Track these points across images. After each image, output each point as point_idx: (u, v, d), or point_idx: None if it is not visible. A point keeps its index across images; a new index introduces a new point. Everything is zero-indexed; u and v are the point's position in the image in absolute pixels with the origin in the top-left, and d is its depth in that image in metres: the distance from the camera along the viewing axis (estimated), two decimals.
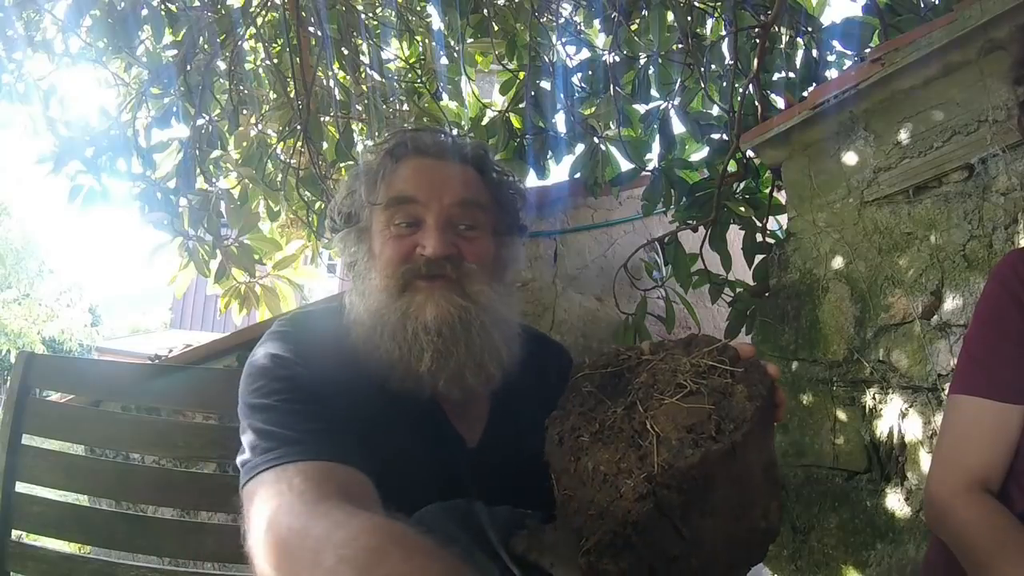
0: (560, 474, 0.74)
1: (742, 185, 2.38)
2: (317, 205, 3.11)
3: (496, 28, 2.89)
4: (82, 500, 2.09)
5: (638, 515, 0.66)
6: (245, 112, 3.36)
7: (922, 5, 2.21)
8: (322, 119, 3.06)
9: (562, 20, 2.84)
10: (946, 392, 1.46)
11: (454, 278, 0.90)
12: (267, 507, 0.71)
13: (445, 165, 0.97)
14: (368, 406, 0.88)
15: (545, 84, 2.61)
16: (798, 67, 2.39)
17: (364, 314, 0.92)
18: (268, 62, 3.30)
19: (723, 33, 2.61)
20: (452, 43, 3.24)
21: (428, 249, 0.90)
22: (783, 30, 2.44)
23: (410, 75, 3.38)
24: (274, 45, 3.42)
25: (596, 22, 2.93)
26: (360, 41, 3.28)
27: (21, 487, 1.43)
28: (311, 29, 3.05)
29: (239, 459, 0.82)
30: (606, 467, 0.70)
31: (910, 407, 1.64)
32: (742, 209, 2.30)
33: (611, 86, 2.45)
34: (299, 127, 2.78)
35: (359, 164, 1.00)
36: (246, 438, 0.82)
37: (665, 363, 0.78)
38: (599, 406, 0.76)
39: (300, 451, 0.76)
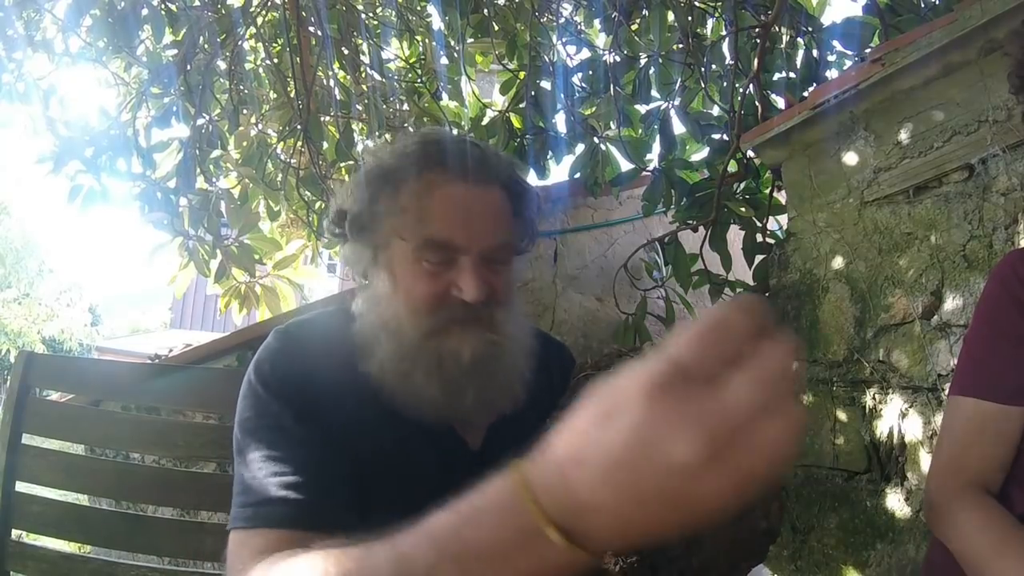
0: None
1: (742, 185, 2.38)
2: (317, 205, 3.11)
3: (496, 28, 2.89)
4: (82, 500, 2.09)
5: None
6: (245, 112, 3.36)
7: (922, 5, 2.21)
8: (322, 119, 3.06)
9: (562, 20, 2.84)
10: (946, 392, 1.46)
11: (485, 318, 0.89)
12: (231, 570, 0.75)
13: (483, 196, 0.90)
14: (369, 412, 0.88)
15: (545, 84, 2.61)
16: (798, 67, 2.39)
17: (385, 341, 0.89)
18: (268, 62, 3.30)
19: (723, 33, 2.61)
20: (452, 43, 3.25)
21: (468, 295, 0.86)
22: (783, 30, 2.44)
23: (410, 75, 3.38)
24: (274, 45, 3.42)
25: (596, 22, 2.94)
26: (360, 41, 3.28)
27: (21, 487, 1.43)
28: (311, 29, 3.05)
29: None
30: None
31: (910, 407, 1.64)
32: (742, 209, 2.30)
33: (611, 86, 2.46)
34: (299, 127, 2.78)
35: (377, 167, 0.93)
36: (236, 474, 0.84)
37: None
38: None
39: (267, 518, 0.77)
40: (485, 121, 2.69)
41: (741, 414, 0.40)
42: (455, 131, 3.17)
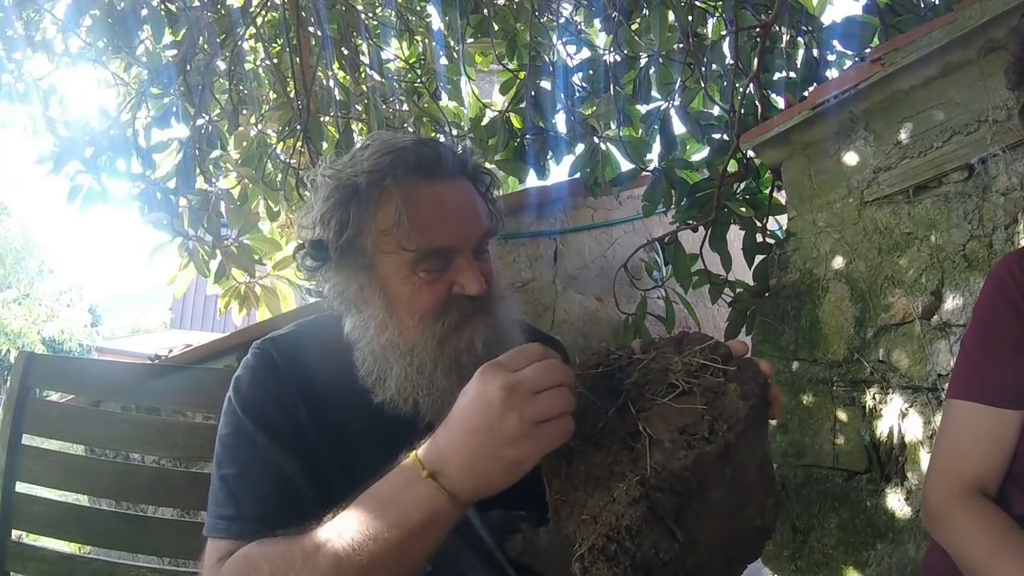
0: (552, 478, 0.73)
1: (742, 185, 2.38)
2: None
3: (496, 28, 2.89)
4: (82, 500, 2.09)
5: (631, 519, 0.65)
6: (245, 112, 3.36)
7: (922, 5, 2.21)
8: (322, 119, 3.06)
9: (562, 20, 2.84)
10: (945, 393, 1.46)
11: (486, 304, 0.91)
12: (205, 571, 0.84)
13: (459, 191, 0.92)
14: (357, 419, 0.89)
15: (545, 84, 2.60)
16: (798, 67, 2.39)
17: (396, 363, 0.89)
18: (268, 62, 3.30)
19: (724, 33, 2.61)
20: (452, 43, 3.24)
21: (472, 290, 0.88)
22: (784, 30, 2.44)
23: (410, 75, 3.38)
24: (274, 45, 3.42)
25: (596, 22, 2.93)
26: (360, 41, 3.28)
27: (21, 487, 1.43)
28: (311, 29, 3.05)
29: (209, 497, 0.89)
30: (598, 470, 0.69)
31: (910, 407, 1.64)
32: (742, 209, 2.30)
33: (611, 86, 2.45)
34: (299, 127, 2.78)
35: (342, 187, 0.89)
36: (212, 486, 0.88)
37: (656, 362, 0.76)
38: (590, 408, 0.74)
39: (239, 532, 0.82)
40: (485, 121, 2.68)
41: (529, 379, 0.66)
42: (453, 131, 3.17)
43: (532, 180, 2.74)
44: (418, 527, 0.70)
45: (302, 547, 0.74)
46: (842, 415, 1.77)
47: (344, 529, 0.72)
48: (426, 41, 3.44)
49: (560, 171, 2.71)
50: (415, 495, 0.70)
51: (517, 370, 0.67)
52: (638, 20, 2.65)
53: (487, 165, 1.01)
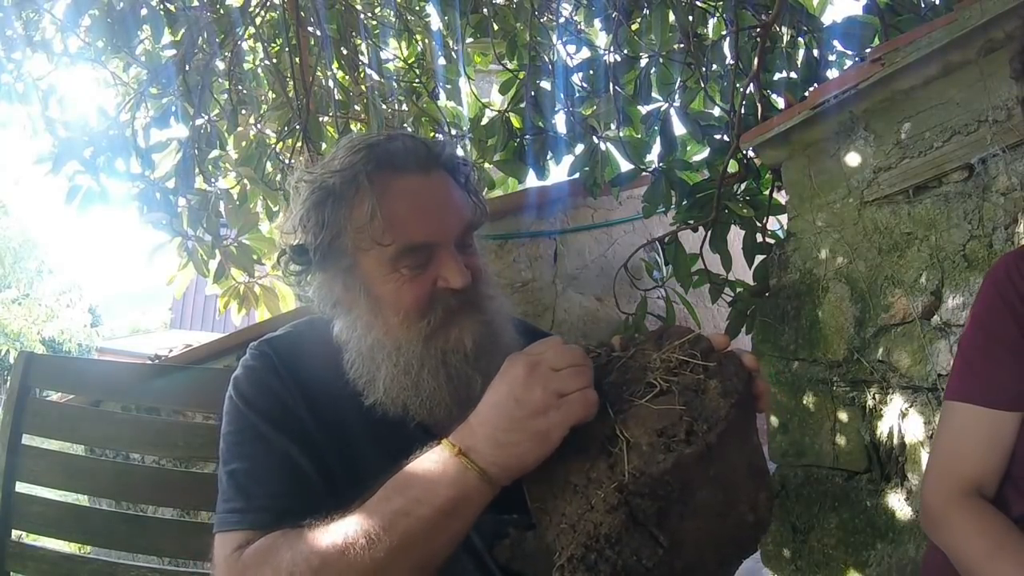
0: (531, 485, 0.72)
1: (743, 185, 2.38)
2: None
3: (496, 28, 2.89)
4: (82, 500, 2.09)
5: (610, 527, 0.64)
6: (244, 112, 3.36)
7: (922, 5, 2.21)
8: (321, 119, 3.06)
9: (562, 20, 2.84)
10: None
11: (474, 300, 0.89)
12: (216, 568, 0.81)
13: (436, 185, 0.89)
14: (351, 425, 0.88)
15: (545, 84, 2.60)
16: (799, 67, 2.39)
17: (384, 363, 0.87)
18: (267, 62, 3.30)
19: (724, 33, 2.61)
20: (451, 43, 3.24)
21: (456, 284, 0.85)
22: (784, 30, 2.44)
23: (409, 75, 3.38)
24: (273, 45, 3.42)
25: (596, 22, 2.93)
26: (359, 41, 3.28)
27: (21, 487, 1.43)
28: (310, 29, 3.05)
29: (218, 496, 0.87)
30: (576, 477, 0.68)
31: (910, 407, 1.64)
32: (743, 210, 2.30)
33: (611, 86, 2.45)
34: (298, 127, 2.78)
35: (319, 189, 0.87)
36: (220, 484, 0.86)
37: (635, 360, 0.74)
38: None
39: (252, 522, 0.80)
40: (484, 121, 2.68)
41: (549, 358, 0.71)
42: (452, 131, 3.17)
43: (532, 180, 2.75)
44: (448, 504, 0.70)
45: (326, 530, 0.73)
46: (842, 415, 1.77)
47: (373, 510, 0.72)
48: (425, 41, 3.44)
49: (560, 171, 2.71)
50: (445, 471, 0.71)
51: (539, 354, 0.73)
52: (638, 20, 2.65)
53: (480, 161, 1.00)
